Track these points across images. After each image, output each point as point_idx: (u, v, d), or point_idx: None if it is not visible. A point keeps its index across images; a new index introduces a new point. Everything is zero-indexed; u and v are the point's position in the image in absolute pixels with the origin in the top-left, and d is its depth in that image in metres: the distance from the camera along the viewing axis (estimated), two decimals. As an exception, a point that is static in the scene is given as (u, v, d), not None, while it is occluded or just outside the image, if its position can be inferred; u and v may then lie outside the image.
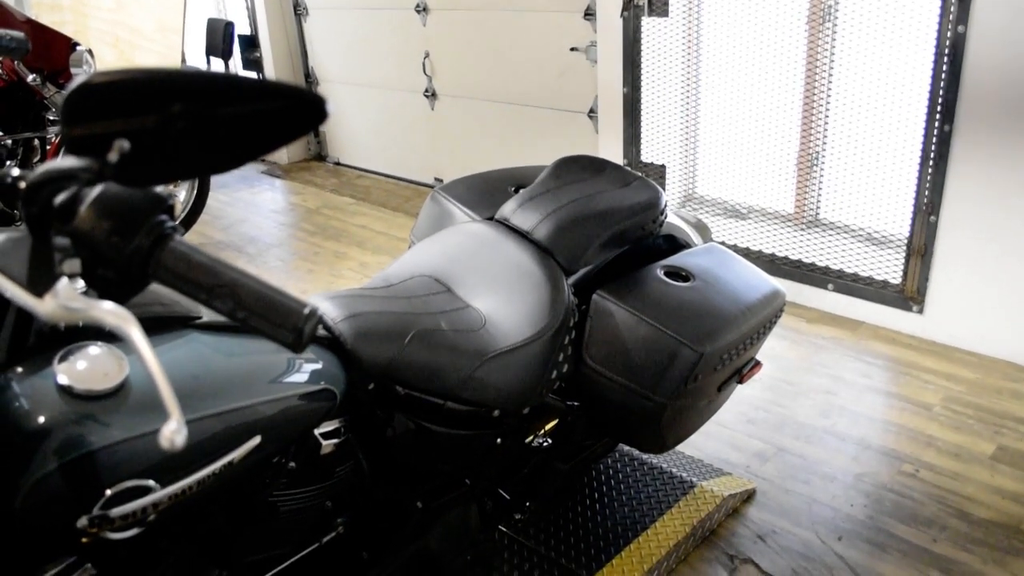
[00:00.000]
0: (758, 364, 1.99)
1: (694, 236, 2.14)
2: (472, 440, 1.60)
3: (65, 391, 0.95)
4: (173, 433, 0.74)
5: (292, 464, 1.38)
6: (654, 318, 1.64)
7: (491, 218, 1.85)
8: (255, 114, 0.78)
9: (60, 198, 0.73)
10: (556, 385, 1.66)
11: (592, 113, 4.20)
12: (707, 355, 1.63)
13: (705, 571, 2.10)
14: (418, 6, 4.90)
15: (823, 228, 3.52)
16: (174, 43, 5.43)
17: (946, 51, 2.80)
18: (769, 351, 3.13)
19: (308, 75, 5.99)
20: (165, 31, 5.47)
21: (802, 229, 3.58)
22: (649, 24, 3.64)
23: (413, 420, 1.52)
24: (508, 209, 1.78)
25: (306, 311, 0.74)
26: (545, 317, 1.57)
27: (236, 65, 6.50)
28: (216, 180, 5.87)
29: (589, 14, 4.01)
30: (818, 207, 3.60)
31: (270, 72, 5.91)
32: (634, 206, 1.78)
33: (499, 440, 1.64)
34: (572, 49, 4.16)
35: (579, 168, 1.90)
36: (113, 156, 0.72)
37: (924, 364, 2.99)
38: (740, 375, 1.90)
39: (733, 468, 2.48)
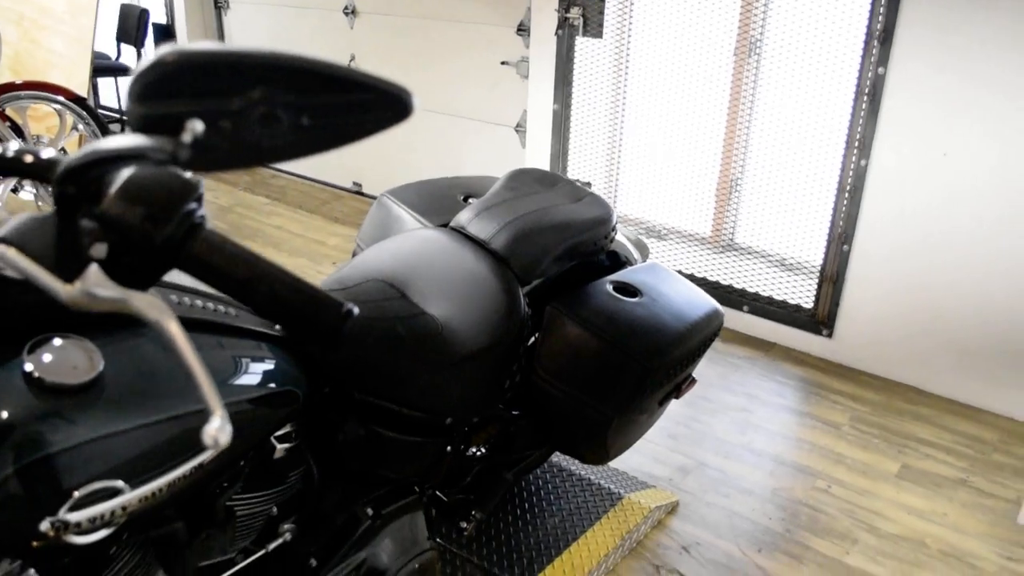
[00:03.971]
0: (694, 380, 2.05)
1: (635, 253, 2.19)
2: (423, 447, 1.58)
3: (35, 384, 0.89)
4: (217, 431, 0.71)
5: (246, 468, 1.34)
6: (606, 331, 1.67)
7: (444, 225, 1.84)
8: (339, 105, 0.75)
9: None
10: (508, 395, 1.66)
11: (520, 127, 4.24)
12: (656, 369, 1.67)
13: (633, 582, 2.14)
14: (346, 8, 4.85)
15: (738, 252, 3.65)
16: (85, 25, 5.19)
17: (866, 90, 2.96)
18: (688, 368, 3.22)
19: (225, 70, 5.82)
20: (76, 13, 5.22)
21: (718, 252, 3.71)
22: (582, 44, 3.71)
23: (365, 426, 1.50)
24: (464, 217, 1.78)
25: (344, 309, 0.72)
26: (502, 326, 1.58)
27: (147, 53, 6.27)
28: (121, 172, 5.63)
29: (522, 29, 4.05)
30: (734, 231, 3.74)
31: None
32: (588, 221, 1.81)
33: (448, 448, 1.63)
34: (503, 63, 4.19)
35: (532, 180, 1.91)
36: (187, 137, 0.67)
37: (833, 385, 3.14)
38: (678, 390, 1.95)
39: (657, 481, 2.54)
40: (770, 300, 3.46)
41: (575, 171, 3.93)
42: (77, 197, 0.69)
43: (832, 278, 3.24)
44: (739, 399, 3.04)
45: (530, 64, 3.92)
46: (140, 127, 0.67)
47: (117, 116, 6.48)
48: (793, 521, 2.38)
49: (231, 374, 1.16)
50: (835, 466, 2.65)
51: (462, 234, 1.75)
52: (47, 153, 0.75)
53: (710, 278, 3.62)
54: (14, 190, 4.33)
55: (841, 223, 3.16)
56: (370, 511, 1.53)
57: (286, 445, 1.43)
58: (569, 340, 1.68)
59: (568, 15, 3.65)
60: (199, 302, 1.23)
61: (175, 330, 0.71)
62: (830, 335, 3.31)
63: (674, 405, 2.94)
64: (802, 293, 3.38)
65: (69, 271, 0.69)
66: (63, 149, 4.51)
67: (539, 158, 3.99)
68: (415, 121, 4.35)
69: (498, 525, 2.19)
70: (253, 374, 1.20)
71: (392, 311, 1.57)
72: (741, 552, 2.25)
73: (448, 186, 2.06)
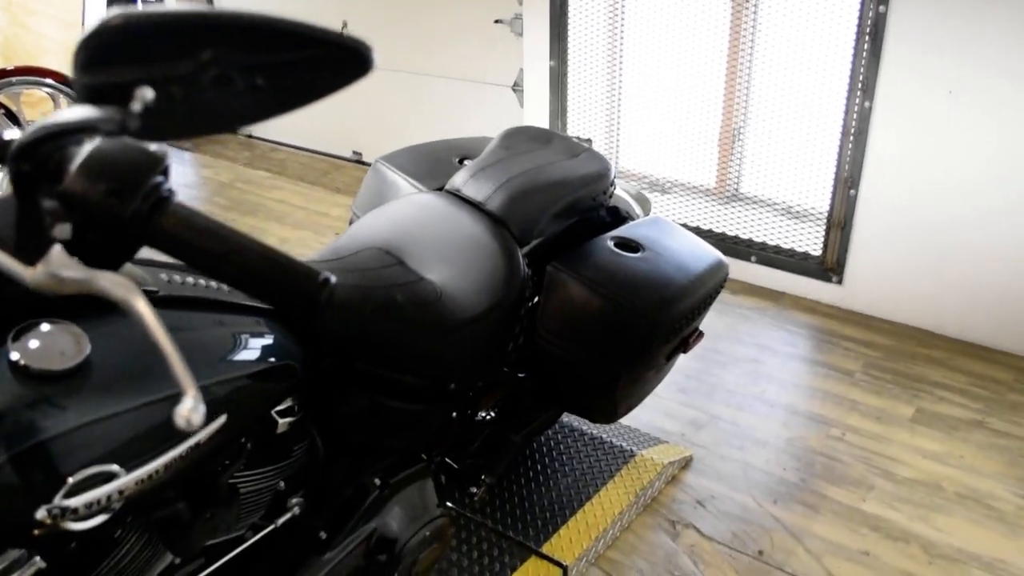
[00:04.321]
0: (701, 334, 2.03)
1: (636, 208, 2.15)
2: (427, 414, 1.57)
3: (21, 371, 0.87)
4: (190, 411, 0.68)
5: (248, 445, 1.33)
6: (609, 289, 1.64)
7: (439, 189, 1.81)
8: (294, 63, 0.72)
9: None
10: (513, 357, 1.64)
11: (517, 87, 4.18)
12: (661, 324, 1.64)
13: (649, 538, 2.13)
14: (335, -27, 4.76)
15: (744, 202, 3.60)
16: (73, 7, 5.13)
17: (867, 29, 2.89)
18: (697, 322, 3.19)
19: (217, 43, 5.74)
20: (62, -7, 5.16)
21: (723, 203, 3.66)
22: (576, -3, 3.63)
23: (368, 396, 1.48)
24: (459, 180, 1.74)
25: (320, 278, 0.69)
26: (502, 289, 1.55)
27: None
28: (120, 152, 5.59)
29: (514, -15, 3.97)
30: (739, 181, 3.68)
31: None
32: (585, 177, 1.78)
33: (454, 414, 1.61)
34: (496, 21, 4.12)
35: (527, 139, 1.87)
36: (136, 106, 0.64)
37: (844, 332, 3.11)
38: (685, 345, 1.92)
39: (669, 436, 2.53)
40: (777, 249, 3.42)
41: (575, 128, 3.87)
42: (34, 176, 0.67)
43: (840, 223, 3.19)
44: (749, 350, 3.02)
45: (524, 20, 3.85)
46: (87, 97, 0.64)
47: (112, 96, 6.43)
48: (808, 471, 2.37)
49: (227, 351, 1.14)
50: (849, 413, 2.63)
51: (458, 197, 1.72)
52: (5, 135, 0.72)
53: (716, 230, 3.58)
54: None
55: (847, 167, 3.11)
56: (378, 481, 1.52)
57: (288, 419, 1.41)
58: (571, 299, 1.65)
59: (560, -32, 3.56)
60: (190, 279, 1.21)
61: (143, 308, 0.68)
62: (839, 282, 3.27)
63: (683, 359, 2.91)
64: (810, 240, 3.34)
65: (31, 253, 0.67)
66: (58, 132, 4.47)
67: (537, 117, 3.94)
68: (412, 85, 4.29)
69: (511, 487, 2.19)
70: (250, 349, 1.18)
71: (389, 279, 1.54)
72: (757, 504, 2.24)
73: (443, 149, 2.03)
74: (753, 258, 3.48)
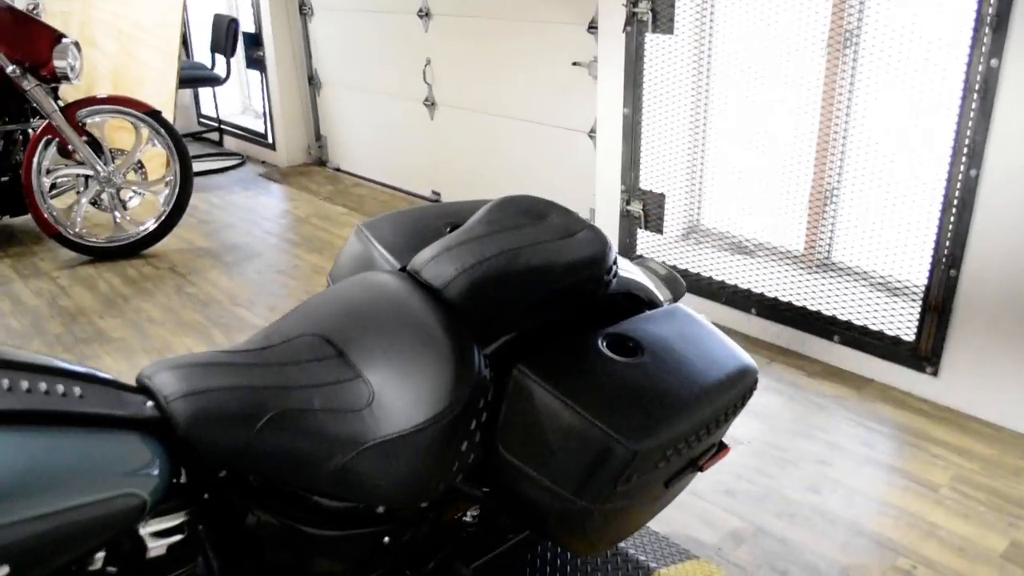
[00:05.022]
0: (725, 448, 1.70)
1: (661, 292, 1.85)
2: (351, 540, 1.32)
3: None
4: None
5: (112, 569, 1.13)
6: (583, 403, 1.35)
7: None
8: None
9: None
10: (459, 477, 1.38)
11: (593, 133, 3.92)
12: (643, 453, 1.34)
13: None
14: (420, 11, 4.65)
15: (834, 272, 3.20)
16: (172, 38, 5.26)
17: (976, 86, 2.48)
18: (761, 408, 2.82)
19: (312, 77, 5.76)
20: (164, 26, 5.29)
21: (812, 271, 3.27)
22: (654, 41, 3.35)
23: (273, 516, 1.26)
24: (422, 259, 1.50)
25: None
26: (445, 398, 1.30)
27: (239, 61, 6.31)
28: (211, 181, 5.68)
29: (593, 27, 3.73)
30: (830, 247, 3.29)
31: (272, 72, 5.69)
32: (574, 263, 1.49)
33: (386, 539, 1.36)
34: (574, 64, 3.88)
35: (517, 212, 1.61)
36: None
37: (935, 435, 2.67)
38: (699, 464, 1.60)
39: (702, 550, 2.18)
40: (865, 330, 3.00)
41: (648, 180, 3.57)
42: None
43: (937, 306, 2.76)
44: (818, 448, 2.62)
45: (599, 64, 3.59)
46: None
47: (215, 125, 6.57)
48: (862, 612, 1.98)
49: (43, 481, 0.94)
50: (925, 540, 2.21)
51: (416, 279, 1.47)
52: None
53: (796, 303, 3.19)
54: (93, 203, 4.38)
55: (948, 243, 2.68)
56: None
57: (167, 541, 1.21)
58: (536, 412, 1.37)
59: (636, 9, 3.29)
60: (24, 383, 1.02)
61: None
62: (934, 373, 2.82)
63: (736, 455, 2.57)
64: (903, 323, 2.91)
65: None
66: (139, 162, 4.53)
67: (610, 167, 3.66)
68: (490, 127, 4.11)
69: (498, 602, 1.90)
70: (73, 479, 0.98)
71: (315, 377, 1.32)
72: (792, 649, 1.88)
73: (433, 215, 1.79)
74: (836, 337, 3.07)
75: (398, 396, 1.30)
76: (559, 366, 1.41)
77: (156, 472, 1.10)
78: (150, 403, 1.17)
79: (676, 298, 1.90)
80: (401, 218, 1.77)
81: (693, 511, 2.32)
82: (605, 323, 1.57)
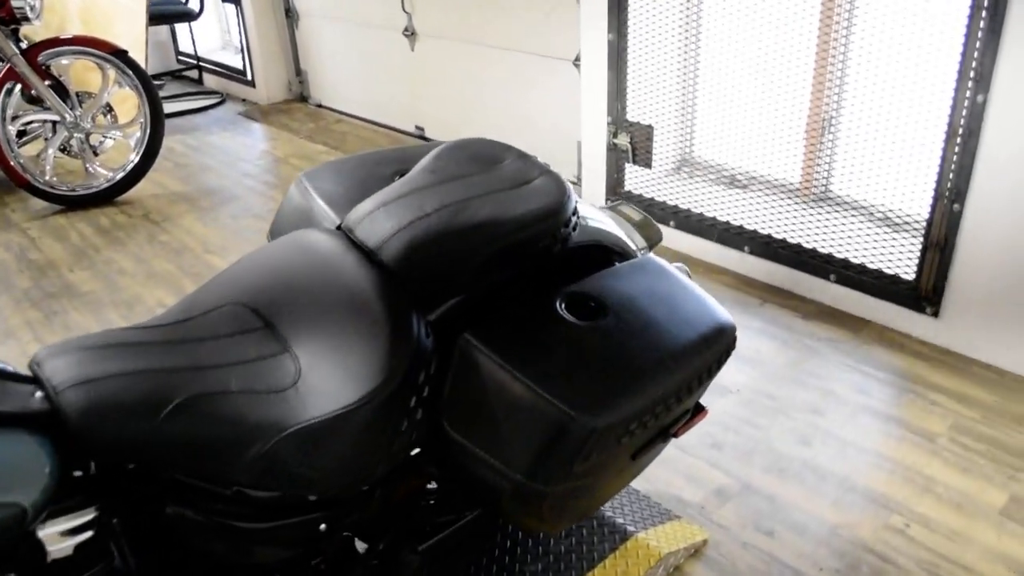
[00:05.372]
0: (702, 410, 1.57)
1: (635, 240, 1.69)
2: (281, 530, 1.21)
3: None
4: None
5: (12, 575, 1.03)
6: (534, 375, 1.21)
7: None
8: None
9: None
10: (399, 457, 1.25)
11: (578, 61, 3.70)
12: (602, 429, 1.20)
13: (627, 654, 1.71)
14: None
15: (831, 206, 3.03)
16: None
17: (985, 2, 2.27)
18: (752, 353, 2.69)
19: (288, 8, 5.50)
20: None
21: (808, 205, 3.09)
22: (639, -40, 3.11)
23: (189, 508, 1.14)
24: (356, 215, 1.34)
25: None
26: (378, 373, 1.16)
27: (213, -5, 6.03)
28: (189, 121, 5.48)
29: (577, -53, 3.48)
30: (828, 180, 3.11)
31: (247, 5, 5.43)
32: (526, 215, 1.34)
33: (322, 526, 1.24)
34: (557, -13, 3.64)
35: (466, 159, 1.44)
36: None
37: (933, 380, 2.53)
38: (672, 431, 1.48)
39: (685, 509, 2.07)
40: (862, 268, 2.84)
41: (635, 112, 3.37)
42: None
43: (939, 243, 2.59)
44: (810, 395, 2.49)
45: (581, -13, 3.36)
46: None
47: (193, 62, 6.32)
48: (850, 574, 1.87)
49: None
50: (921, 496, 2.09)
51: (350, 239, 1.32)
52: None
53: (791, 239, 3.03)
54: (63, 149, 4.20)
55: (951, 175, 2.50)
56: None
57: (72, 541, 1.09)
58: (482, 385, 1.23)
59: (619, -73, 3.05)
60: None
61: None
62: (935, 313, 2.67)
63: (726, 403, 2.45)
64: (903, 260, 2.75)
65: None
66: (108, 105, 4.33)
67: (595, 97, 3.45)
68: (472, 57, 3.88)
69: (467, 569, 1.80)
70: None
71: (235, 354, 1.18)
72: (776, 616, 1.78)
73: (380, 161, 1.62)
74: (833, 276, 2.92)
75: (327, 373, 1.16)
76: (509, 333, 1.26)
77: (43, 473, 0.98)
78: (39, 393, 1.04)
79: (652, 246, 1.75)
80: (345, 166, 1.61)
81: (677, 467, 2.21)
82: (567, 281, 1.42)
